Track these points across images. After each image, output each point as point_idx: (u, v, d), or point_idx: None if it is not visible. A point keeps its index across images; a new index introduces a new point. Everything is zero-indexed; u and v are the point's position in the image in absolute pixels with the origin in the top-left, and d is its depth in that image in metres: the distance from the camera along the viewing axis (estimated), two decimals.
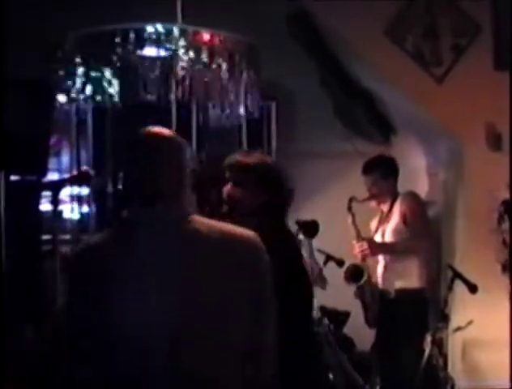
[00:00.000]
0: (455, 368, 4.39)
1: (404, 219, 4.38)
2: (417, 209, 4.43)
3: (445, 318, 3.93)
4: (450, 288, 3.88)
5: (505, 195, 4.35)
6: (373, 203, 4.56)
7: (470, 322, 3.96)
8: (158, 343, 1.81)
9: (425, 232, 4.39)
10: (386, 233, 4.48)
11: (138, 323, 1.82)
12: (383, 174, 4.48)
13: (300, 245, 3.02)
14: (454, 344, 4.37)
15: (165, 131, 1.99)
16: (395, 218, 4.43)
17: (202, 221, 1.92)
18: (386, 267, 4.47)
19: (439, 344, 4.13)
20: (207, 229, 1.90)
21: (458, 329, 4.03)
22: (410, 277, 4.35)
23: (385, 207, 4.53)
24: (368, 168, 4.50)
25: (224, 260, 1.88)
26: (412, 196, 4.49)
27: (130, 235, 1.88)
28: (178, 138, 1.99)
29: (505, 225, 4.37)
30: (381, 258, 4.51)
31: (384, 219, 4.52)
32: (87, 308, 1.86)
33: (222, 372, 1.87)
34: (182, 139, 2.01)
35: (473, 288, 3.81)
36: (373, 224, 4.62)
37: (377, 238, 4.53)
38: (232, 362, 1.88)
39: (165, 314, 1.81)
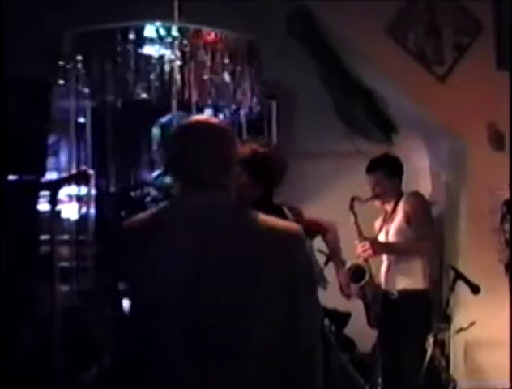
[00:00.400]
0: (457, 369, 4.37)
1: (408, 219, 4.35)
2: (421, 210, 4.40)
3: (447, 319, 3.90)
4: (452, 288, 3.86)
5: (508, 195, 4.33)
6: (376, 203, 4.53)
7: (472, 323, 3.93)
8: (197, 326, 1.84)
9: (429, 233, 4.36)
10: (389, 233, 4.45)
11: (178, 302, 1.85)
12: (387, 174, 4.45)
13: None
14: (457, 344, 4.35)
15: (214, 119, 2.07)
16: (399, 218, 4.40)
17: (246, 211, 1.96)
18: (389, 268, 4.44)
19: (441, 345, 4.10)
20: (251, 219, 1.94)
21: (461, 330, 4.00)
22: (413, 278, 4.32)
23: (389, 207, 4.50)
24: (372, 167, 4.47)
25: (265, 250, 1.91)
26: (417, 196, 4.46)
27: (174, 218, 1.92)
28: (227, 127, 2.04)
29: (508, 225, 4.35)
30: (384, 259, 4.48)
31: (388, 219, 4.49)
32: (130, 278, 1.92)
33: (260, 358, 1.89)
34: (230, 128, 2.05)
35: (475, 289, 3.79)
36: (378, 223, 4.59)
37: (381, 238, 4.50)
38: (267, 352, 1.90)
39: (204, 296, 1.85)
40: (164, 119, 4.04)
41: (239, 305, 1.87)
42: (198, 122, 2.00)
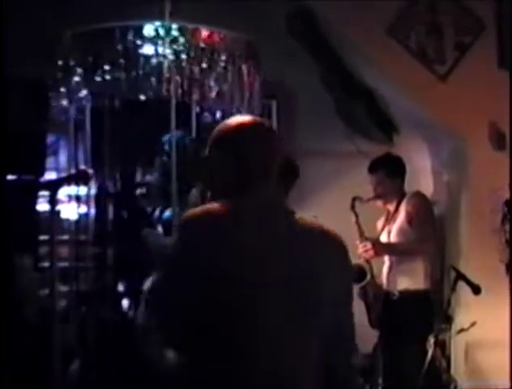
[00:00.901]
0: (458, 369, 4.35)
1: (410, 219, 4.34)
2: (423, 210, 4.38)
3: (448, 320, 3.89)
4: (454, 289, 3.83)
5: (509, 195, 4.31)
6: (378, 203, 4.51)
7: (473, 324, 3.91)
8: (251, 327, 1.83)
9: (431, 234, 4.34)
10: (391, 233, 4.43)
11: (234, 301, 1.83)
12: (389, 173, 4.43)
13: None
14: (458, 345, 4.33)
15: (260, 118, 2.04)
16: (401, 218, 4.38)
17: (292, 211, 1.96)
18: (390, 268, 4.43)
19: (442, 346, 4.09)
20: (299, 220, 1.94)
21: (462, 330, 3.99)
22: (415, 278, 4.31)
23: (391, 207, 4.49)
24: (374, 167, 4.45)
25: (316, 253, 1.91)
26: (419, 197, 4.44)
27: (233, 219, 1.87)
28: (272, 126, 2.06)
29: (509, 225, 4.33)
30: (386, 259, 4.47)
31: (390, 219, 4.48)
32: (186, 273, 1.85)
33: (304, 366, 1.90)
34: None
35: (476, 289, 3.76)
36: (380, 223, 4.57)
37: (383, 238, 4.49)
38: (314, 356, 1.90)
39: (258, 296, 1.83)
40: (164, 138, 4.07)
41: (296, 303, 1.88)
42: (252, 122, 1.99)
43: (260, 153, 1.94)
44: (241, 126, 1.96)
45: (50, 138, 4.41)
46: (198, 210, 1.90)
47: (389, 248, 4.47)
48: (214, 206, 1.89)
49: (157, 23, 3.63)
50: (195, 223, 1.88)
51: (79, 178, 3.22)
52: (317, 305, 1.90)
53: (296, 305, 1.87)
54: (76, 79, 3.74)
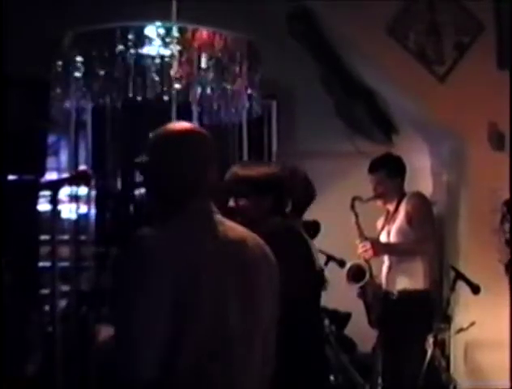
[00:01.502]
0: (458, 369, 4.35)
1: (409, 219, 4.34)
2: (423, 210, 4.39)
3: (447, 319, 3.90)
4: (453, 288, 3.85)
5: (508, 195, 4.32)
6: (378, 203, 4.52)
7: (472, 323, 3.93)
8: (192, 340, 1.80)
9: (430, 235, 4.35)
10: (391, 233, 4.44)
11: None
12: (389, 173, 4.44)
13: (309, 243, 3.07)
14: (457, 345, 4.33)
15: (194, 125, 2.03)
16: (401, 218, 4.39)
17: (223, 221, 1.93)
18: (390, 268, 4.43)
19: (441, 346, 4.09)
20: (232, 230, 1.92)
21: (461, 330, 4.00)
22: (414, 278, 4.31)
23: (391, 207, 4.49)
24: (374, 167, 4.46)
25: (248, 261, 1.91)
26: (418, 197, 4.44)
27: (171, 231, 1.84)
28: (206, 133, 1.98)
29: (508, 225, 4.34)
30: (385, 259, 4.47)
31: (390, 219, 4.48)
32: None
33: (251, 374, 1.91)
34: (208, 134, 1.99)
35: (476, 289, 3.78)
36: (380, 223, 4.58)
37: (383, 238, 4.49)
38: (257, 365, 1.92)
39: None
40: None
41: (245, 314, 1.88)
42: (188, 130, 1.95)
43: (196, 161, 1.90)
44: (177, 134, 1.92)
45: (51, 138, 4.42)
46: (138, 234, 1.84)
47: (388, 248, 4.48)
48: (153, 228, 1.83)
49: (158, 24, 3.63)
50: (137, 249, 1.82)
51: (80, 178, 3.23)
52: (259, 310, 1.92)
53: (243, 313, 1.87)
54: (77, 79, 3.74)
